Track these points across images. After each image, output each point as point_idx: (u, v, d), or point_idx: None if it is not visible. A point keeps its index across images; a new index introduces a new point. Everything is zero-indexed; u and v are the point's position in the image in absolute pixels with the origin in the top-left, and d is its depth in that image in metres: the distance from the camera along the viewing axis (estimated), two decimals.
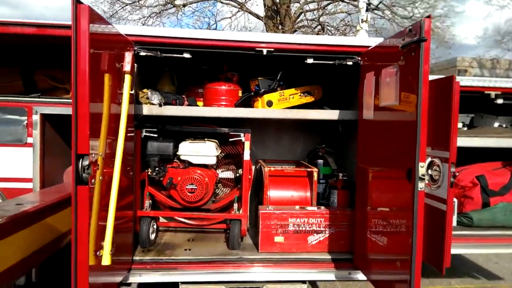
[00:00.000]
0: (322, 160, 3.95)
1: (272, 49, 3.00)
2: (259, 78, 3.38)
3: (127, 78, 2.45)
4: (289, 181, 3.55)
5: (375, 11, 13.39)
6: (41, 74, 3.05)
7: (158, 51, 2.97)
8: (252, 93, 3.39)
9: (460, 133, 3.64)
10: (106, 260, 2.17)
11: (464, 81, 3.26)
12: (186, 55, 3.02)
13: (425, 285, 4.43)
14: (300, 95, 3.57)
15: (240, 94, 3.50)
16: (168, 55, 3.01)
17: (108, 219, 2.21)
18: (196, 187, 3.25)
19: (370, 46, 2.95)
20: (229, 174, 3.69)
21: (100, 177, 2.19)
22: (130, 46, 2.75)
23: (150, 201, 3.42)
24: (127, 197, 2.86)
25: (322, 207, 3.35)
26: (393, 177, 2.42)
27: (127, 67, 2.43)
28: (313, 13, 14.16)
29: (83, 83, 1.98)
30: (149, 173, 3.27)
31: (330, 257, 3.17)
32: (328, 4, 14.03)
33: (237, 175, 3.56)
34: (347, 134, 3.84)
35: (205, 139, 3.43)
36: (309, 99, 3.64)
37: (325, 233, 3.24)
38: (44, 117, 2.82)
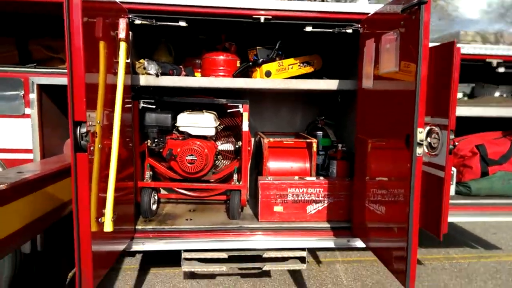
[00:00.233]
0: (321, 132, 3.95)
1: (270, 17, 2.95)
2: (257, 47, 3.34)
3: (122, 46, 2.42)
4: (289, 153, 3.56)
5: None
6: (35, 44, 3.01)
7: (153, 19, 2.92)
8: (251, 63, 3.35)
9: (461, 103, 3.63)
10: (108, 227, 2.20)
11: (465, 48, 3.21)
12: (182, 24, 2.96)
13: (423, 254, 4.52)
14: (299, 65, 3.53)
15: (238, 64, 3.46)
16: (163, 23, 2.95)
17: (108, 186, 2.23)
18: (195, 158, 3.26)
19: (370, 13, 2.89)
20: (228, 146, 3.70)
21: (99, 145, 2.20)
22: (124, 13, 2.70)
23: (151, 172, 3.45)
24: (127, 167, 2.88)
25: (321, 177, 3.37)
26: (391, 146, 2.43)
27: (121, 34, 2.40)
28: None
29: (77, 50, 1.95)
30: (149, 144, 3.28)
31: (329, 225, 3.22)
32: None
33: (237, 147, 3.57)
34: (347, 105, 3.82)
35: (204, 110, 3.42)
36: (308, 69, 3.60)
37: (323, 202, 3.28)
38: (41, 88, 2.80)
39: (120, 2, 2.69)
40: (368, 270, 4.06)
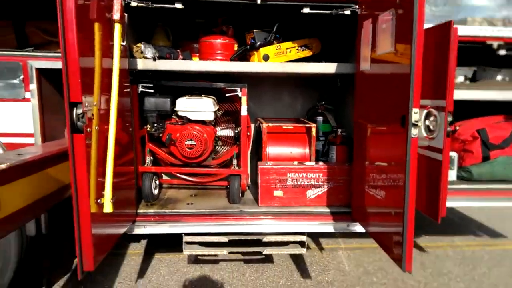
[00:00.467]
0: (321, 117, 3.93)
1: None
2: (254, 30, 3.30)
3: (117, 27, 2.41)
4: (288, 138, 3.56)
5: None
6: (32, 27, 3.00)
7: (149, 1, 2.90)
8: (248, 47, 3.33)
9: (461, 86, 3.59)
10: (107, 208, 2.22)
11: (464, 29, 3.14)
12: (178, 5, 2.93)
13: (427, 242, 4.52)
14: (297, 49, 3.50)
15: (235, 48, 3.43)
16: (159, 5, 2.93)
17: (106, 168, 2.25)
18: (195, 143, 3.27)
19: None
20: (228, 132, 3.70)
21: (96, 127, 2.21)
22: None
23: (151, 157, 3.46)
24: (127, 152, 2.90)
25: (320, 162, 3.37)
26: (389, 129, 2.41)
27: (116, 15, 2.38)
28: None
29: (70, 31, 1.94)
30: (148, 129, 3.29)
31: (328, 210, 3.22)
32: None
33: (236, 132, 3.57)
34: (347, 90, 3.79)
35: (203, 95, 3.42)
36: (307, 53, 3.57)
37: (323, 187, 3.28)
38: (40, 72, 2.81)
39: None
40: (370, 256, 4.08)
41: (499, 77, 3.84)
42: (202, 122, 3.40)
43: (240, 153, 3.45)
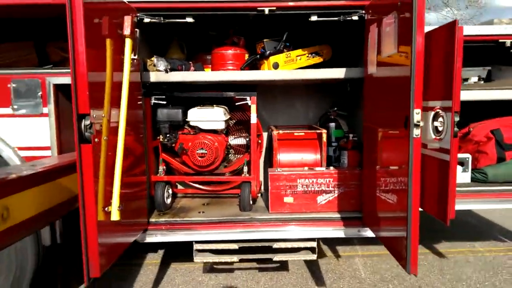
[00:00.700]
0: (334, 123, 3.91)
1: (274, 8, 2.96)
2: (264, 40, 3.36)
3: (127, 42, 2.52)
4: (299, 144, 3.56)
5: None
6: (52, 46, 3.19)
7: (161, 17, 3.01)
8: (258, 56, 3.38)
9: (475, 86, 3.48)
10: (114, 216, 2.29)
11: (474, 29, 3.05)
12: (189, 19, 3.03)
13: (447, 247, 4.37)
14: (307, 56, 3.52)
15: (246, 58, 3.49)
16: (171, 20, 3.04)
17: (114, 177, 2.32)
18: (206, 152, 3.33)
19: None
20: (240, 141, 3.74)
21: (105, 138, 2.30)
22: (132, 12, 2.80)
23: (164, 166, 3.54)
24: (138, 161, 2.99)
25: (331, 167, 3.34)
26: (394, 132, 2.38)
27: (126, 31, 2.49)
28: None
29: (79, 47, 2.05)
30: (161, 139, 3.38)
31: (339, 216, 3.19)
32: None
33: (248, 140, 3.60)
34: (358, 95, 3.76)
35: (214, 105, 3.48)
36: (317, 59, 3.58)
37: (334, 193, 3.25)
38: (57, 88, 2.96)
39: (128, 1, 2.80)
40: (388, 263, 3.98)
41: None
42: (214, 132, 3.45)
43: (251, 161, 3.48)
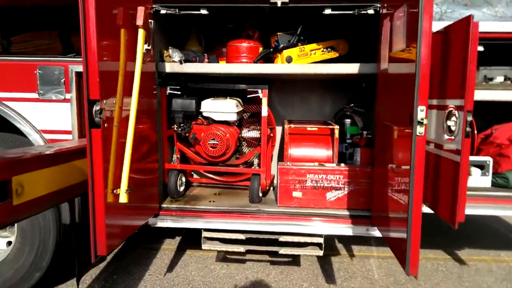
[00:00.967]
0: (349, 120, 3.85)
1: (287, 0, 2.95)
2: (278, 33, 3.36)
3: (140, 32, 2.60)
4: (311, 139, 3.55)
5: None
6: (76, 35, 3.34)
7: (176, 9, 3.08)
8: (271, 49, 3.39)
9: (499, 86, 3.32)
10: (122, 198, 2.40)
11: (492, 25, 2.88)
12: (203, 11, 3.08)
13: (469, 255, 4.22)
14: (322, 51, 3.48)
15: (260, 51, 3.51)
16: (186, 12, 3.11)
17: (124, 161, 2.43)
18: (217, 143, 3.39)
19: None
20: (254, 133, 3.77)
21: (115, 123, 2.40)
22: (147, 3, 2.88)
23: (179, 155, 3.64)
24: (152, 149, 3.09)
25: (342, 164, 3.31)
26: (401, 130, 2.33)
27: (139, 21, 2.57)
28: None
29: (91, 36, 2.15)
30: (175, 129, 3.47)
31: (348, 213, 3.16)
32: None
33: (261, 133, 3.63)
34: (373, 91, 3.69)
35: (228, 97, 3.53)
36: (332, 54, 3.54)
37: (344, 190, 3.22)
38: (78, 75, 3.11)
39: None
40: None
41: None
42: (226, 123, 3.51)
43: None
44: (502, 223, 5.21)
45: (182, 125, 3.45)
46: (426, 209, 3.02)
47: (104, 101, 2.26)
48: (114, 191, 2.38)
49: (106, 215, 2.28)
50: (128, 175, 2.42)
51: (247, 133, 3.77)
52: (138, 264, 3.85)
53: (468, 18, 2.22)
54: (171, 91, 3.43)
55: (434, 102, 2.81)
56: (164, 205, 3.30)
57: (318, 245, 3.18)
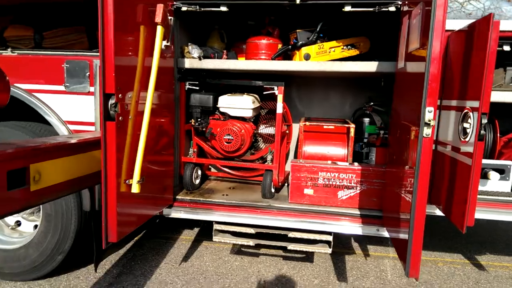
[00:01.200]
0: (368, 119, 3.80)
1: None
2: (297, 30, 3.35)
3: (158, 29, 2.68)
4: (326, 137, 3.53)
5: None
6: None
7: (197, 6, 3.15)
8: (290, 46, 3.39)
9: None
10: (134, 188, 2.51)
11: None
12: (223, 8, 3.13)
13: (490, 260, 4.07)
14: (342, 48, 3.44)
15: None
16: (206, 9, 3.17)
17: (137, 153, 2.53)
18: (232, 138, 3.44)
19: None
20: (270, 130, 3.79)
21: (130, 116, 2.51)
22: (168, 0, 2.96)
23: (196, 149, 3.72)
24: (167, 142, 3.19)
25: (356, 163, 3.27)
26: (411, 131, 2.28)
27: (157, 18, 2.65)
28: None
29: (107, 33, 2.25)
30: (192, 123, 3.56)
31: (359, 213, 3.13)
32: None
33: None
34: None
35: (245, 93, 3.57)
36: (353, 52, 3.49)
37: (356, 189, 3.19)
38: None
39: None
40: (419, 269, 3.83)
41: None
42: (242, 119, 3.55)
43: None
44: None
45: (199, 119, 3.53)
46: (440, 213, 2.95)
47: (120, 95, 2.36)
48: (127, 181, 2.49)
49: (118, 203, 2.39)
50: (141, 167, 2.52)
51: (264, 130, 3.80)
52: (156, 253, 4.00)
53: (489, 17, 2.13)
54: (190, 86, 3.51)
55: (454, 103, 2.72)
56: (179, 197, 3.40)
57: (327, 243, 3.18)
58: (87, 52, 3.31)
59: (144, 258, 3.87)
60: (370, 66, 3.11)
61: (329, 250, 3.14)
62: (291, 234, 3.16)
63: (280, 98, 3.30)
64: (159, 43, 2.72)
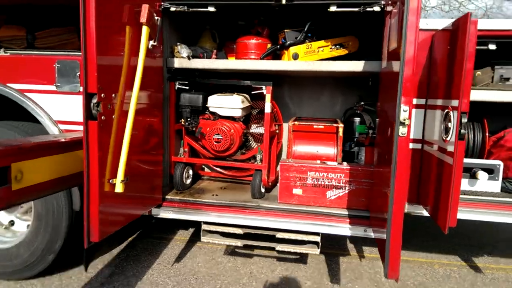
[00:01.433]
0: (359, 118, 3.78)
1: None
2: (285, 30, 3.35)
3: (144, 29, 2.70)
4: (315, 137, 3.52)
5: None
6: None
7: (185, 6, 3.16)
8: (278, 46, 3.39)
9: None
10: (118, 188, 2.52)
11: (503, 23, 2.67)
12: (211, 9, 3.14)
13: (488, 262, 4.03)
14: (331, 48, 3.43)
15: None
16: (195, 9, 3.18)
17: (121, 153, 2.54)
18: (222, 138, 3.45)
19: None
20: (262, 130, 3.78)
21: (115, 116, 2.52)
22: (155, 0, 2.97)
23: (187, 149, 3.73)
24: (155, 142, 3.20)
25: (345, 163, 3.26)
26: (390, 131, 2.26)
27: (142, 19, 2.66)
28: None
29: (89, 33, 2.26)
30: (182, 123, 3.57)
31: (347, 213, 3.11)
32: None
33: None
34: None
35: (235, 93, 3.58)
36: (341, 52, 3.48)
37: (344, 189, 3.17)
38: None
39: None
40: (414, 271, 3.81)
41: None
42: (232, 119, 3.55)
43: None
44: None
45: (189, 119, 3.54)
46: (427, 214, 2.93)
47: (102, 95, 2.37)
48: (110, 180, 2.50)
49: (101, 203, 2.40)
50: (125, 166, 2.53)
51: (255, 129, 3.79)
52: (149, 253, 4.02)
53: (466, 16, 2.11)
54: (180, 86, 3.52)
55: (439, 102, 2.70)
56: (168, 197, 3.40)
57: (316, 243, 3.17)
58: (77, 52, 3.33)
59: (136, 259, 3.88)
60: (358, 66, 3.10)
61: (317, 251, 3.13)
62: (279, 235, 3.15)
63: (268, 97, 3.29)
64: (145, 43, 2.74)
